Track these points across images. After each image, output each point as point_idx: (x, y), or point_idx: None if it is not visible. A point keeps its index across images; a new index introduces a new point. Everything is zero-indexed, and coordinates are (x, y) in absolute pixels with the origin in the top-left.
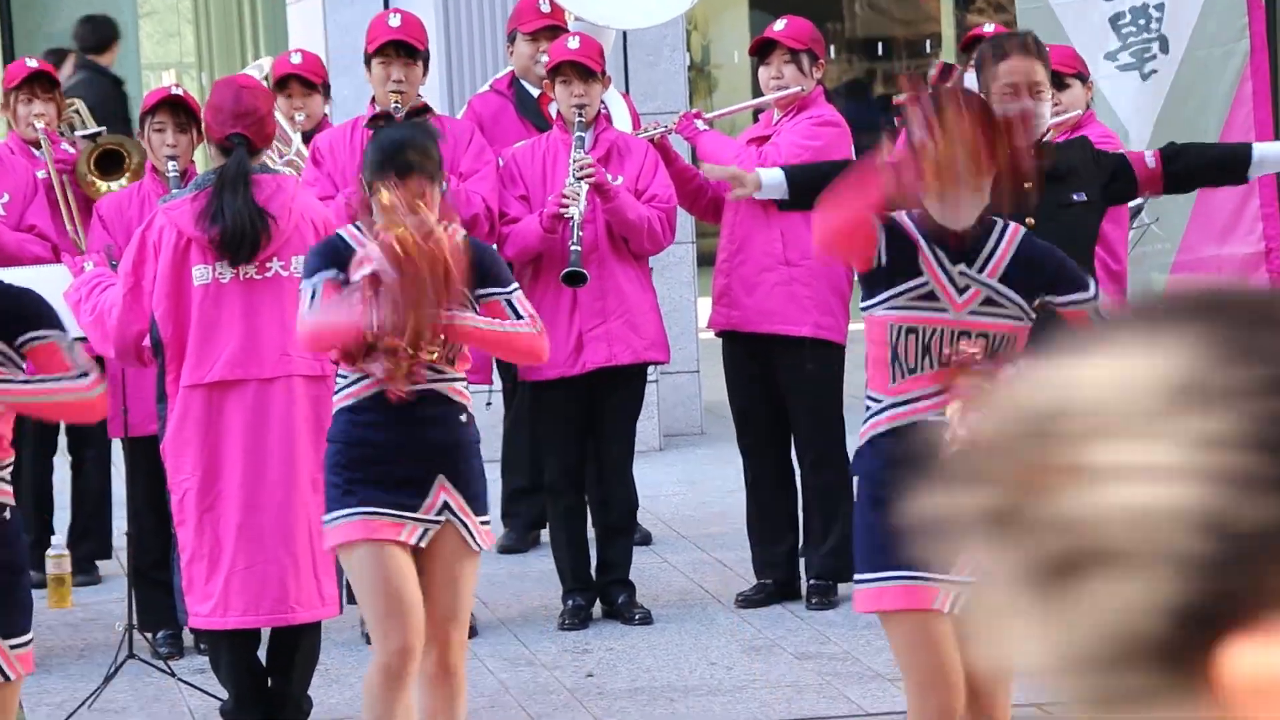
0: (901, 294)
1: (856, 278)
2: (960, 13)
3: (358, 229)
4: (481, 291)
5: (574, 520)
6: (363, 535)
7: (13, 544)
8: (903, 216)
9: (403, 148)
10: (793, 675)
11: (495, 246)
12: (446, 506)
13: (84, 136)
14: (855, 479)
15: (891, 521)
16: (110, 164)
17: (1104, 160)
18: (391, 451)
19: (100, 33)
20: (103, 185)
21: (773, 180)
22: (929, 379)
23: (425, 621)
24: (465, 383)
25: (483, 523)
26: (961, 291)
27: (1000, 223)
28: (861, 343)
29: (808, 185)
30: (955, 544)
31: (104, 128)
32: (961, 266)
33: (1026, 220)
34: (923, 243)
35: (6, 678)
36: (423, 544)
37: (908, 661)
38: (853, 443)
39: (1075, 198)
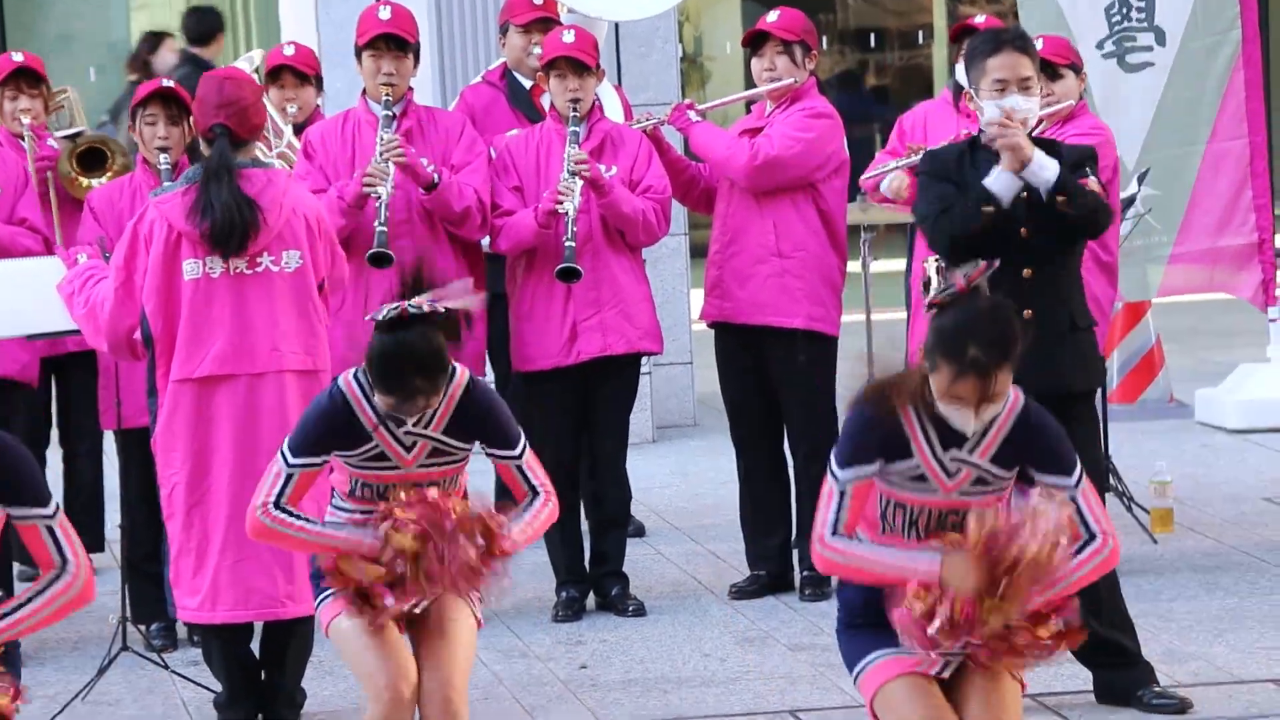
0: (893, 474)
1: (843, 435)
2: (952, 3)
3: (360, 384)
4: (492, 451)
5: (567, 512)
6: (337, 613)
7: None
8: (906, 415)
9: (406, 372)
10: (786, 666)
11: (486, 242)
12: None
13: (65, 136)
14: (837, 603)
15: (869, 633)
16: (94, 161)
17: (1071, 155)
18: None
19: (204, 24)
20: (85, 182)
21: (1044, 173)
22: (915, 544)
23: (430, 681)
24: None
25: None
26: (952, 475)
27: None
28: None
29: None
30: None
31: (84, 127)
32: (953, 451)
33: (1024, 272)
34: (916, 427)
35: None
36: (417, 610)
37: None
38: None
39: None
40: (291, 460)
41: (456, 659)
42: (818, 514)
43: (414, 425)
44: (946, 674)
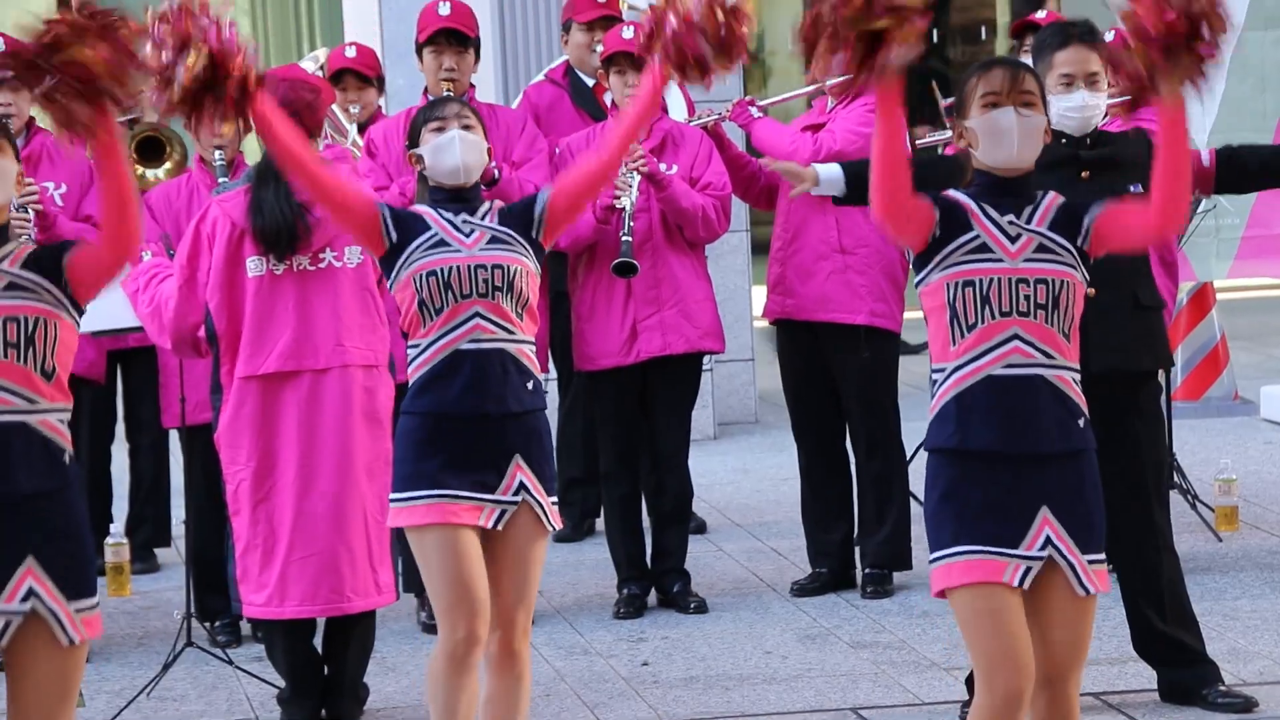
0: (954, 250)
1: (911, 261)
2: None
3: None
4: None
5: (629, 509)
6: (437, 519)
7: (74, 499)
8: (953, 195)
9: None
10: (848, 664)
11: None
12: (523, 486)
13: (121, 122)
14: (927, 455)
15: (961, 497)
16: (151, 152)
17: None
18: (467, 429)
19: None
20: (143, 172)
21: (830, 176)
22: (991, 330)
23: (493, 603)
24: (534, 348)
25: (553, 503)
26: (1014, 240)
27: (1041, 191)
28: (916, 330)
29: (865, 180)
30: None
31: (139, 113)
32: (1010, 217)
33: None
34: (971, 203)
35: (71, 641)
36: (499, 526)
37: (973, 639)
38: (909, 430)
39: (1132, 189)
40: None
41: (528, 592)
42: None
43: (471, 216)
44: (1027, 583)
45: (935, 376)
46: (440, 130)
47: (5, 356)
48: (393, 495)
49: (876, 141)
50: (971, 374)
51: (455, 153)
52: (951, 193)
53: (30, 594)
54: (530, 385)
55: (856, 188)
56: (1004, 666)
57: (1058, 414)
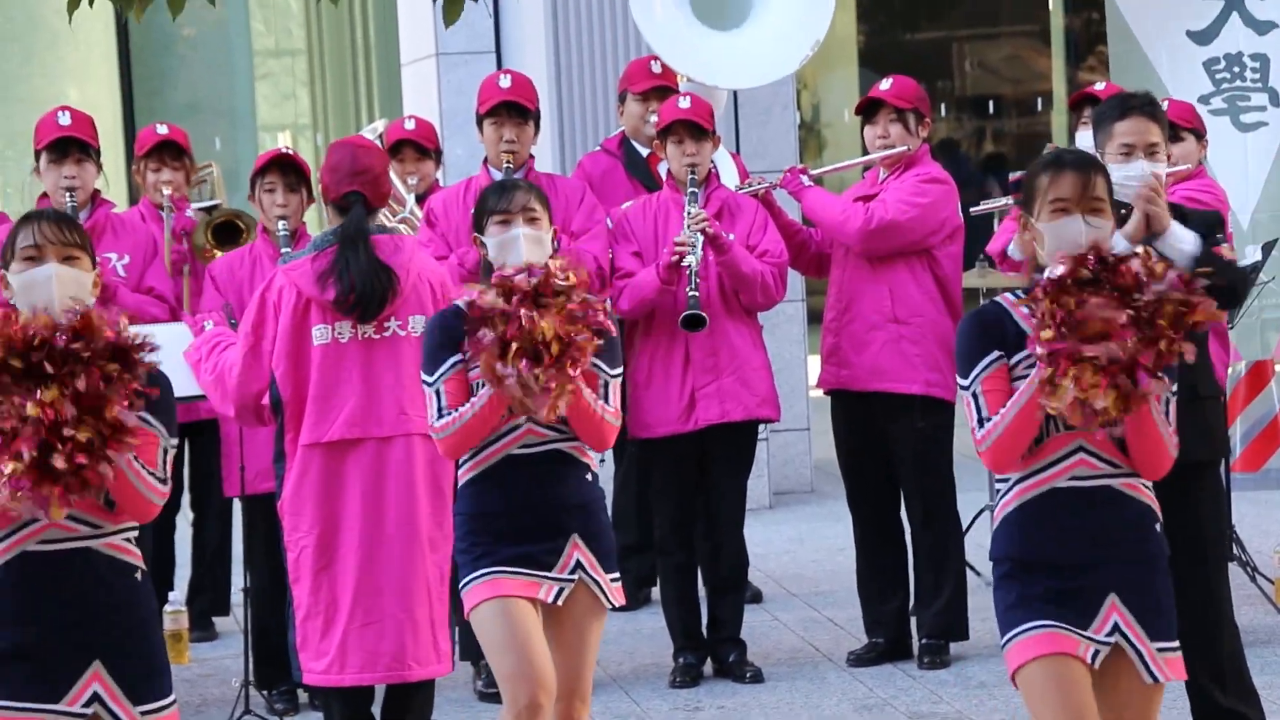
0: (1016, 364)
1: (957, 353)
2: (1071, 70)
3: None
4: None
5: (685, 578)
6: (494, 593)
7: (144, 609)
8: (1011, 303)
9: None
10: None
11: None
12: (580, 565)
13: (200, 209)
14: (992, 562)
15: (1029, 582)
16: (228, 235)
17: (1193, 220)
18: (521, 514)
19: None
20: (219, 254)
21: (1184, 235)
22: (1056, 444)
23: (559, 677)
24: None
25: (612, 579)
26: None
27: None
28: None
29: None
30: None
31: (222, 200)
32: None
33: None
34: (1028, 315)
35: None
36: (559, 602)
37: (1044, 708)
38: (964, 500)
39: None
40: (431, 379)
41: (584, 670)
42: (971, 426)
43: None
44: (1097, 663)
45: (999, 486)
46: (505, 224)
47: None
48: (461, 585)
49: (1027, 424)
50: (1036, 485)
51: (520, 252)
52: (1010, 303)
53: (95, 699)
54: (589, 476)
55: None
56: None
57: (1129, 520)
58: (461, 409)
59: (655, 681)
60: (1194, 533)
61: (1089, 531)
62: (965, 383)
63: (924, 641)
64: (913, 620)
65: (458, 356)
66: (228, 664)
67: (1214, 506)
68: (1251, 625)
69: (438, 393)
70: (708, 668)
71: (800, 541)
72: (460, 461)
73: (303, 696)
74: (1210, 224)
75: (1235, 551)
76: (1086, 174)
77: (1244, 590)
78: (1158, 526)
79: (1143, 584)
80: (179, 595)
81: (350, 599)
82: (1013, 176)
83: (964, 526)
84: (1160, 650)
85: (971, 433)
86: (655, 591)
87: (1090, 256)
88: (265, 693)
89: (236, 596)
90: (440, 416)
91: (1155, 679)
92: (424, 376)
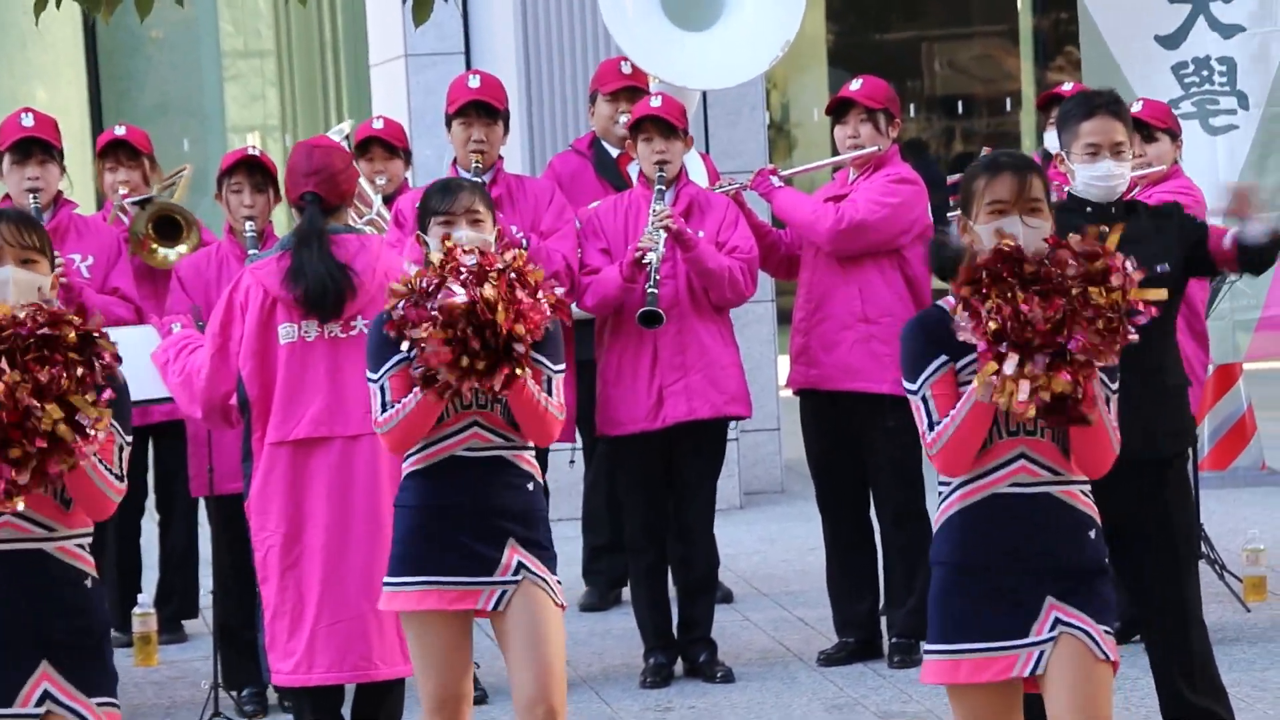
0: (962, 369)
1: (902, 358)
2: (1039, 70)
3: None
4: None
5: (655, 578)
6: (420, 606)
7: (94, 613)
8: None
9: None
10: None
11: (573, 304)
12: (522, 566)
13: (134, 203)
14: (932, 566)
15: (965, 590)
16: (168, 230)
17: (1189, 229)
18: (461, 516)
19: None
20: (159, 251)
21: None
22: (999, 449)
23: (520, 681)
24: (533, 452)
25: (557, 581)
26: None
27: None
28: None
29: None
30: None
31: (154, 193)
32: None
33: None
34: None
35: None
36: (501, 608)
37: None
38: (934, 499)
39: (1158, 269)
40: (376, 376)
41: (553, 667)
42: (921, 431)
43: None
44: (1041, 666)
45: (941, 489)
46: (448, 225)
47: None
48: (385, 579)
49: (977, 425)
50: (977, 490)
51: None
52: (952, 306)
53: (46, 696)
54: (530, 486)
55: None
56: None
57: (1068, 528)
58: (404, 400)
59: (626, 682)
60: (1161, 523)
61: (1028, 538)
62: (913, 388)
63: (894, 641)
64: (883, 620)
65: (401, 354)
66: (197, 666)
67: (1182, 498)
68: (1220, 623)
69: (382, 389)
70: (679, 668)
71: (771, 541)
72: (406, 455)
73: (272, 698)
74: (1186, 221)
75: (1204, 550)
76: (1023, 175)
77: (1212, 588)
78: (1093, 533)
79: (1080, 586)
80: (147, 598)
81: (317, 598)
82: (951, 179)
83: (934, 525)
84: (1105, 632)
85: (922, 437)
86: (626, 592)
87: (1006, 251)
88: (234, 694)
89: (205, 599)
90: (384, 410)
91: (1106, 656)
92: (369, 374)
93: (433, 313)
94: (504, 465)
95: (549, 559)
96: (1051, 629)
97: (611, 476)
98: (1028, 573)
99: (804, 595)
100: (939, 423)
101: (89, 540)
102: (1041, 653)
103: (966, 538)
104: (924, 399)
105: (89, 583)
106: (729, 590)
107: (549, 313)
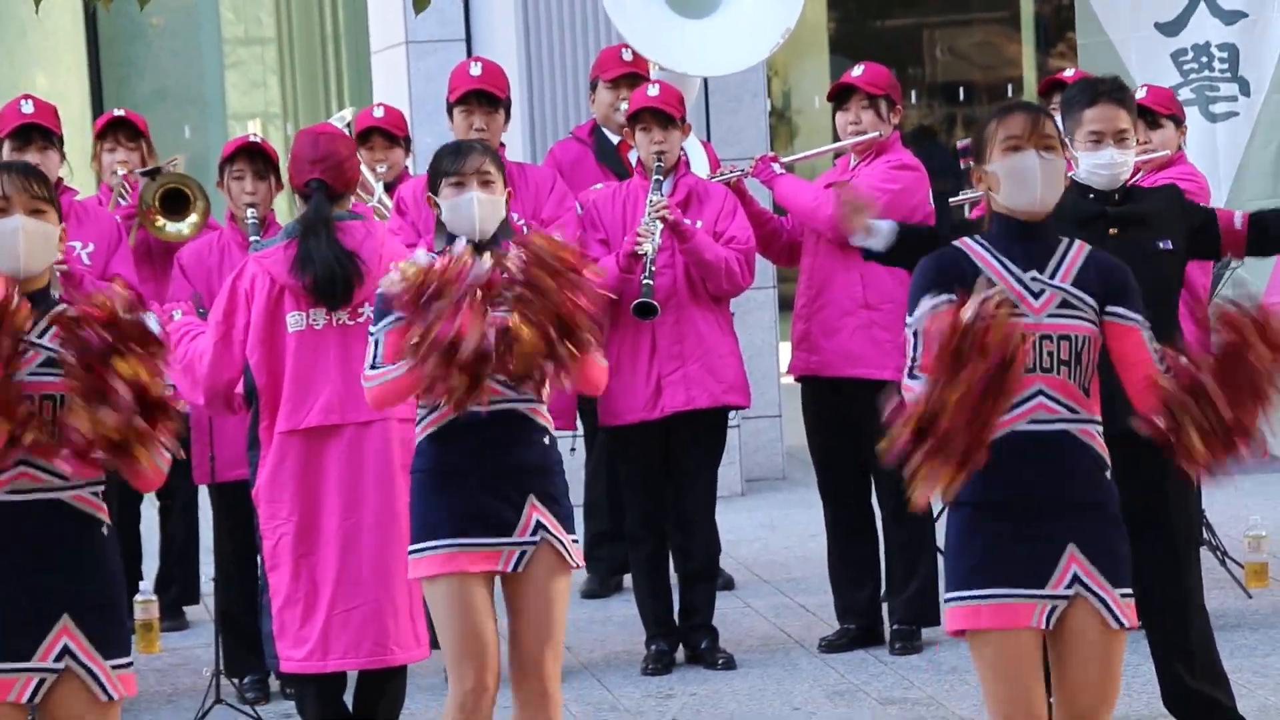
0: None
1: (910, 291)
2: (1041, 56)
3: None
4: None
5: (656, 565)
6: (449, 569)
7: (110, 564)
8: (970, 246)
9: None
10: None
11: None
12: (541, 526)
13: (143, 173)
14: (952, 507)
15: (986, 533)
16: (175, 205)
17: (1193, 211)
18: (479, 477)
19: None
20: (163, 223)
21: (881, 228)
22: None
23: (521, 646)
24: (545, 404)
25: (573, 540)
26: (1037, 296)
27: (1066, 239)
28: None
29: (910, 246)
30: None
31: (161, 165)
32: (1034, 273)
33: None
34: (989, 257)
35: (110, 697)
36: (520, 569)
37: (991, 686)
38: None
39: (1160, 245)
40: (375, 329)
41: (554, 639)
42: (904, 366)
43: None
44: (1052, 622)
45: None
46: (459, 186)
47: (43, 434)
48: (410, 547)
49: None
50: (997, 429)
51: (473, 215)
52: (969, 246)
53: (65, 652)
54: (546, 440)
55: (898, 252)
56: (1020, 716)
57: (1085, 467)
58: (393, 366)
59: (627, 669)
60: (1162, 509)
61: (1047, 475)
62: (911, 320)
63: (896, 627)
64: (884, 606)
65: (399, 314)
66: (199, 653)
67: (1184, 488)
68: (1221, 609)
69: (377, 342)
70: (680, 655)
71: (772, 528)
72: (420, 418)
73: (274, 685)
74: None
75: (1205, 536)
76: (1036, 114)
77: (1214, 574)
78: (1108, 474)
79: (1098, 532)
80: (148, 585)
81: (332, 585)
82: (960, 143)
83: (935, 513)
84: (1121, 596)
85: (900, 372)
86: (627, 579)
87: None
88: (236, 681)
89: (206, 586)
90: (374, 366)
91: (1121, 624)
92: (370, 328)
93: (438, 333)
94: (518, 419)
95: (566, 515)
96: (1069, 586)
97: (612, 465)
98: (1047, 513)
99: (805, 582)
100: (916, 372)
101: (101, 489)
102: (1054, 607)
103: (986, 475)
104: (915, 334)
105: (105, 530)
106: (730, 577)
107: (597, 287)
